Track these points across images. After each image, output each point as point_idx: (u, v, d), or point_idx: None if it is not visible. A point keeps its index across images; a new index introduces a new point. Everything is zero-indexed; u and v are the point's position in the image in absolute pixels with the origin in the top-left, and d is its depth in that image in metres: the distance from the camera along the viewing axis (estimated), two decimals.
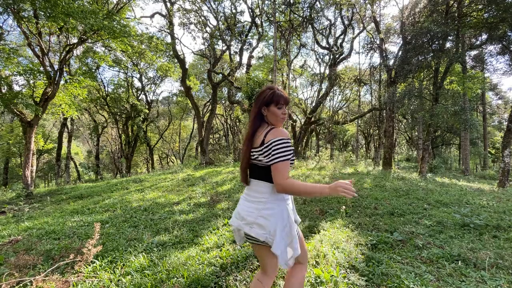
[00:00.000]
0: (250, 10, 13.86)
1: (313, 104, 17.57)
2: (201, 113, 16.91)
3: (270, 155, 1.24)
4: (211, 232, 3.33)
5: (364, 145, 28.23)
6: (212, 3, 13.55)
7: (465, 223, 3.38)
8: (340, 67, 18.08)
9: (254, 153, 1.33)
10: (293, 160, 1.30)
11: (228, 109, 23.95)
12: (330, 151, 18.32)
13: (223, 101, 23.06)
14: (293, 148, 1.28)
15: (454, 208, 4.30)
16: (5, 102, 8.28)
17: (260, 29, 14.75)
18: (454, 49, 9.58)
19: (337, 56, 14.92)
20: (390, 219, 3.74)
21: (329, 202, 4.69)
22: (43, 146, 17.92)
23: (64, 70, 10.00)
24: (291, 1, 12.95)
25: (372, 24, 14.60)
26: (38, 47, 8.93)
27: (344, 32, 15.31)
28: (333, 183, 1.21)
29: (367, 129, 24.96)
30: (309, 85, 21.66)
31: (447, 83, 11.98)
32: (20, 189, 8.66)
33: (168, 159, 31.53)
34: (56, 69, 9.32)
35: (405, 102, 10.66)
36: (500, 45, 9.07)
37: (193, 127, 26.49)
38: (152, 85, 21.97)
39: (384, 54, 12.77)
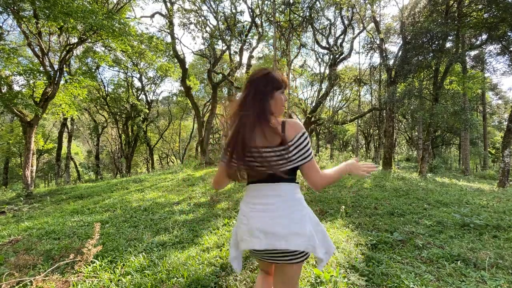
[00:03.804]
0: (250, 10, 13.85)
1: (313, 104, 17.57)
2: (201, 113, 16.91)
3: (301, 152, 1.10)
4: (211, 232, 3.33)
5: (364, 145, 28.24)
6: (212, 3, 13.54)
7: (465, 223, 3.38)
8: (340, 67, 18.07)
9: (269, 153, 1.10)
10: None
11: (228, 109, 23.90)
12: (330, 151, 18.33)
13: (223, 101, 23.06)
14: None
15: (454, 208, 4.30)
16: (5, 102, 8.28)
17: (260, 29, 14.75)
18: (454, 49, 9.59)
19: (337, 56, 14.91)
20: (390, 219, 3.74)
21: (329, 202, 4.69)
22: (43, 146, 17.91)
23: (64, 70, 10.00)
24: (291, 1, 12.93)
25: (372, 24, 14.59)
26: (38, 47, 8.93)
27: (344, 32, 15.29)
28: (349, 162, 1.20)
29: (367, 129, 24.97)
30: (309, 85, 21.65)
31: (447, 83, 11.99)
32: (20, 189, 8.66)
33: (168, 159, 31.53)
34: (56, 69, 9.32)
35: (405, 102, 10.67)
36: (500, 45, 9.08)
37: (193, 127, 26.48)
38: (152, 85, 21.98)
39: (384, 54, 12.77)
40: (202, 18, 14.13)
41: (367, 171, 1.18)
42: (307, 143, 1.11)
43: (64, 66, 9.82)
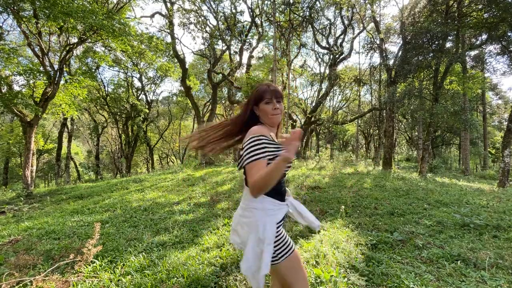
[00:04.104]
0: (250, 10, 13.85)
1: (313, 104, 17.57)
2: (201, 113, 16.91)
3: (242, 157, 1.13)
4: (211, 232, 3.33)
5: (364, 145, 28.21)
6: (212, 3, 13.54)
7: (465, 223, 3.38)
8: (340, 67, 18.08)
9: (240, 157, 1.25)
10: (270, 158, 1.12)
11: (228, 109, 23.96)
12: (330, 151, 18.34)
13: (223, 101, 23.07)
14: (269, 145, 1.12)
15: (454, 208, 4.30)
16: (5, 102, 8.28)
17: (260, 29, 14.75)
18: (454, 49, 9.59)
19: (337, 56, 14.92)
20: (390, 219, 3.74)
21: (329, 202, 4.69)
22: (43, 146, 17.91)
23: (64, 70, 9.99)
24: (291, 1, 12.93)
25: (372, 24, 14.59)
26: (38, 47, 8.93)
27: (344, 32, 15.30)
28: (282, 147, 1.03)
29: (367, 129, 24.95)
30: (309, 85, 21.68)
31: (447, 83, 11.99)
32: (20, 189, 8.66)
33: (168, 159, 31.54)
34: (56, 69, 9.32)
35: (405, 102, 10.66)
36: (500, 45, 9.08)
37: (193, 127, 26.49)
38: (152, 85, 21.98)
39: (384, 54, 12.77)
40: (202, 18, 14.13)
41: (289, 143, 0.97)
42: (248, 148, 1.10)
43: (64, 66, 9.82)
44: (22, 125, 11.64)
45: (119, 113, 19.89)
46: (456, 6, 9.66)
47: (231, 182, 7.16)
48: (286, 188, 1.34)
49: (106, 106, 19.18)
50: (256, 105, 1.26)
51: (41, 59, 8.98)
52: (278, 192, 1.24)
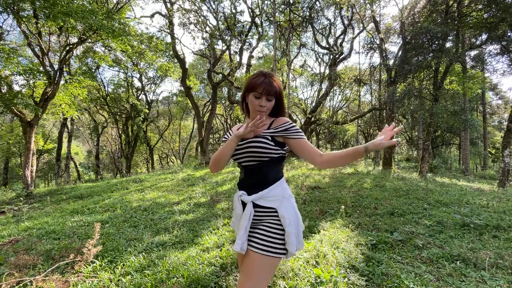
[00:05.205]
0: (250, 10, 13.85)
1: (313, 104, 17.57)
2: (201, 113, 16.90)
3: None
4: (211, 232, 3.33)
5: None
6: (211, 3, 13.54)
7: (465, 223, 3.38)
8: (340, 67, 18.08)
9: None
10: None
11: (228, 109, 23.99)
12: (330, 151, 18.30)
13: (223, 101, 23.06)
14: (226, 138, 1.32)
15: (454, 208, 4.30)
16: (5, 102, 8.28)
17: (260, 29, 14.75)
18: (454, 49, 9.58)
19: (337, 56, 14.91)
20: (390, 219, 3.74)
21: (329, 202, 4.69)
22: (43, 146, 17.92)
23: (64, 70, 10.00)
24: (291, 1, 12.92)
25: (372, 24, 14.58)
26: (38, 47, 8.93)
27: (344, 32, 15.29)
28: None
29: (367, 129, 24.92)
30: (309, 85, 21.70)
31: (447, 83, 11.99)
32: (20, 189, 8.65)
33: (168, 159, 31.53)
34: (56, 69, 9.32)
35: (405, 102, 10.65)
36: (500, 45, 9.07)
37: (193, 127, 26.49)
38: (152, 85, 21.99)
39: (384, 54, 12.77)
40: (202, 18, 14.12)
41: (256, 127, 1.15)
42: None
43: (64, 66, 9.82)
44: (22, 125, 11.61)
45: (119, 113, 19.90)
46: (456, 6, 9.65)
47: (231, 182, 7.16)
48: (265, 194, 1.16)
49: (106, 106, 19.18)
50: (247, 93, 1.26)
51: (41, 59, 8.98)
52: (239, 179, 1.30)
